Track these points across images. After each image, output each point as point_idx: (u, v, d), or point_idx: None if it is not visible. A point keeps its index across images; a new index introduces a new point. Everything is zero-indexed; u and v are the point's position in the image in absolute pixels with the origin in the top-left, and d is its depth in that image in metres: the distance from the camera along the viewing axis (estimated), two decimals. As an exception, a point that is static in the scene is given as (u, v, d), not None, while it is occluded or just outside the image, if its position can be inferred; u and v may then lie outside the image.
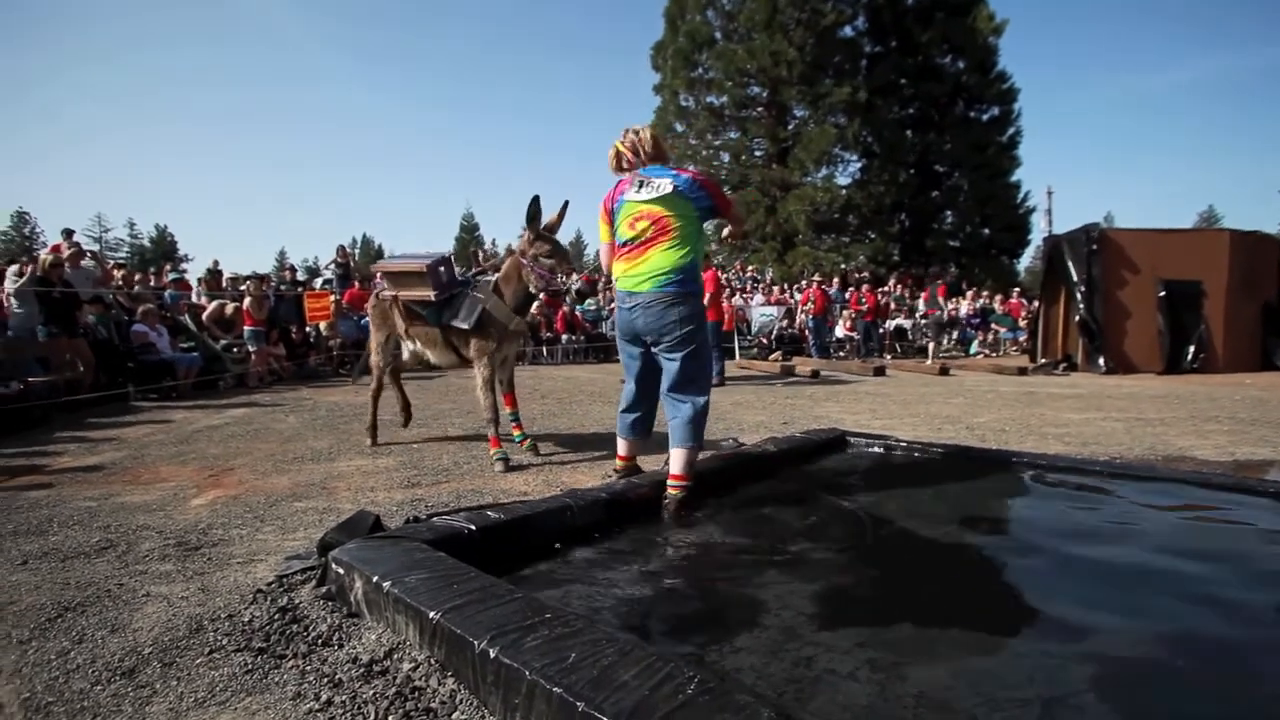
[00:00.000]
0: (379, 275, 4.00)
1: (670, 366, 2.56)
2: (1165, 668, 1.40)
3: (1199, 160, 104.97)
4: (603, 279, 11.07)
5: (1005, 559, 2.09)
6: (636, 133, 2.67)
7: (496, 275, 3.65)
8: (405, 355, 4.08)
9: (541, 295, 3.48)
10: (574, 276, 3.47)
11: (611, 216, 2.69)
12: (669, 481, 2.48)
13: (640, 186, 2.57)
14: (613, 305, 13.60)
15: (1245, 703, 1.28)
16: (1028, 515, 2.45)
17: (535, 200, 3.29)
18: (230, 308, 8.25)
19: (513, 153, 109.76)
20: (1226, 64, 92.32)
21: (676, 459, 2.49)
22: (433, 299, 3.60)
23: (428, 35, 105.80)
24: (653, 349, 2.64)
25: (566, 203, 3.53)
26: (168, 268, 10.67)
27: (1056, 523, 2.35)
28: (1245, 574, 1.89)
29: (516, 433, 3.82)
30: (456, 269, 3.82)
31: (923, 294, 13.94)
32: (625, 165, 2.66)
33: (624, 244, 2.60)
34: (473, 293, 3.62)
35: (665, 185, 2.50)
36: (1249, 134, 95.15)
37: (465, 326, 3.54)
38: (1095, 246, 10.05)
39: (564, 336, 11.92)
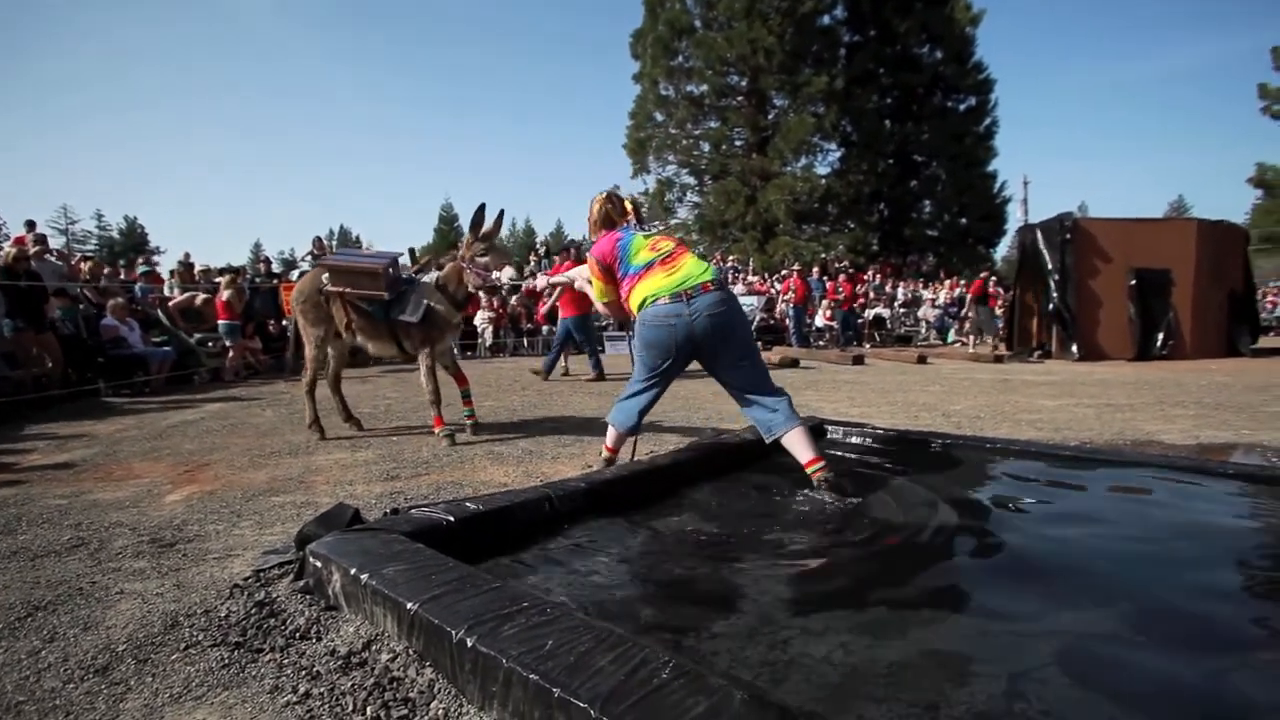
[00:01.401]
0: (323, 271, 4.06)
1: (747, 376, 2.58)
2: (1128, 643, 1.45)
3: (1170, 150, 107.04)
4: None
5: (977, 542, 2.13)
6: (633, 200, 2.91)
7: (438, 274, 3.97)
8: (334, 355, 4.32)
9: (480, 291, 3.92)
10: (506, 270, 3.76)
11: (613, 264, 2.68)
12: (814, 466, 2.46)
13: (638, 228, 2.77)
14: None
15: (1204, 675, 1.33)
16: (1000, 499, 2.50)
17: (481, 208, 3.75)
18: (200, 298, 8.11)
19: (492, 144, 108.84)
20: (1196, 55, 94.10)
21: (807, 444, 2.50)
22: (386, 297, 3.85)
23: (404, 29, 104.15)
24: (715, 359, 2.58)
25: (502, 211, 3.87)
26: (140, 261, 10.45)
27: (1027, 506, 2.41)
28: (1207, 552, 1.96)
29: (465, 408, 4.17)
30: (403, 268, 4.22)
31: (971, 286, 13.45)
32: (617, 219, 2.81)
33: (649, 265, 2.58)
34: (417, 291, 3.91)
35: (659, 227, 2.63)
36: (1218, 124, 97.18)
37: (414, 320, 3.84)
38: (1069, 236, 10.23)
39: (544, 328, 11.89)
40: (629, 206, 2.87)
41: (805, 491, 2.50)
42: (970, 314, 12.83)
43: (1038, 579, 1.78)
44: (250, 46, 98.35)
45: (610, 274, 2.70)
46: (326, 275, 3.98)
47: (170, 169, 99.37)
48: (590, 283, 2.90)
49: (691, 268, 2.56)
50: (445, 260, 4.01)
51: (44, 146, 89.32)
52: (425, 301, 3.84)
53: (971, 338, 12.51)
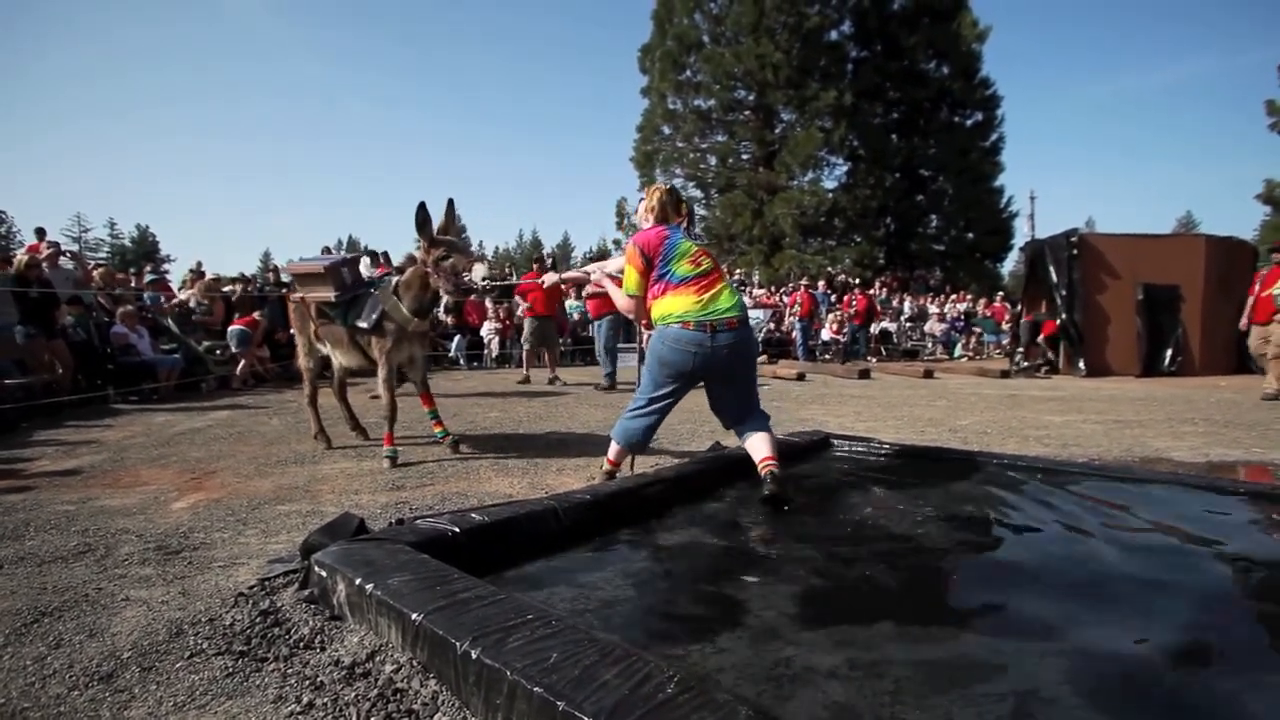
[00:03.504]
0: (290, 276, 3.96)
1: (741, 398, 2.71)
2: (1138, 661, 1.43)
3: (1178, 166, 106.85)
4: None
5: (984, 559, 2.12)
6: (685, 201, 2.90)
7: (399, 278, 3.70)
8: (337, 365, 4.13)
9: (457, 298, 3.61)
10: (476, 268, 3.43)
11: (654, 260, 2.64)
12: (766, 463, 2.56)
13: (685, 231, 2.75)
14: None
15: (1216, 696, 1.31)
16: (1007, 516, 2.49)
17: (421, 207, 3.36)
18: (199, 288, 8.44)
19: (498, 154, 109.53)
20: (1203, 70, 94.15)
21: (768, 445, 2.61)
22: (333, 299, 3.64)
23: (412, 40, 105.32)
24: (720, 385, 2.69)
25: (450, 201, 3.55)
26: (148, 268, 10.54)
27: (1035, 523, 2.39)
28: (1219, 570, 1.94)
29: (437, 430, 3.89)
30: (365, 271, 3.92)
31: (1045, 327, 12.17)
32: (670, 216, 2.77)
33: (685, 280, 2.58)
34: (374, 294, 3.65)
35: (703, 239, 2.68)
36: (1226, 140, 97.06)
37: (365, 326, 3.58)
38: (1075, 251, 10.20)
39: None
40: (684, 209, 2.85)
41: (763, 499, 2.50)
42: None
43: (1046, 596, 1.76)
44: (257, 51, 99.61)
45: (648, 267, 2.66)
46: (294, 280, 3.89)
47: (182, 177, 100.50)
48: (614, 278, 2.90)
49: (724, 299, 2.58)
50: (407, 264, 3.79)
51: (57, 153, 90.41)
52: (380, 306, 3.55)
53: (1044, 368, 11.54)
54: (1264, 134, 22.56)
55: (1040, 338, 11.17)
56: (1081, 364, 10.09)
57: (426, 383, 3.95)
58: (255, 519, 2.61)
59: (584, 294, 8.24)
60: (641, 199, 2.87)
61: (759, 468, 2.57)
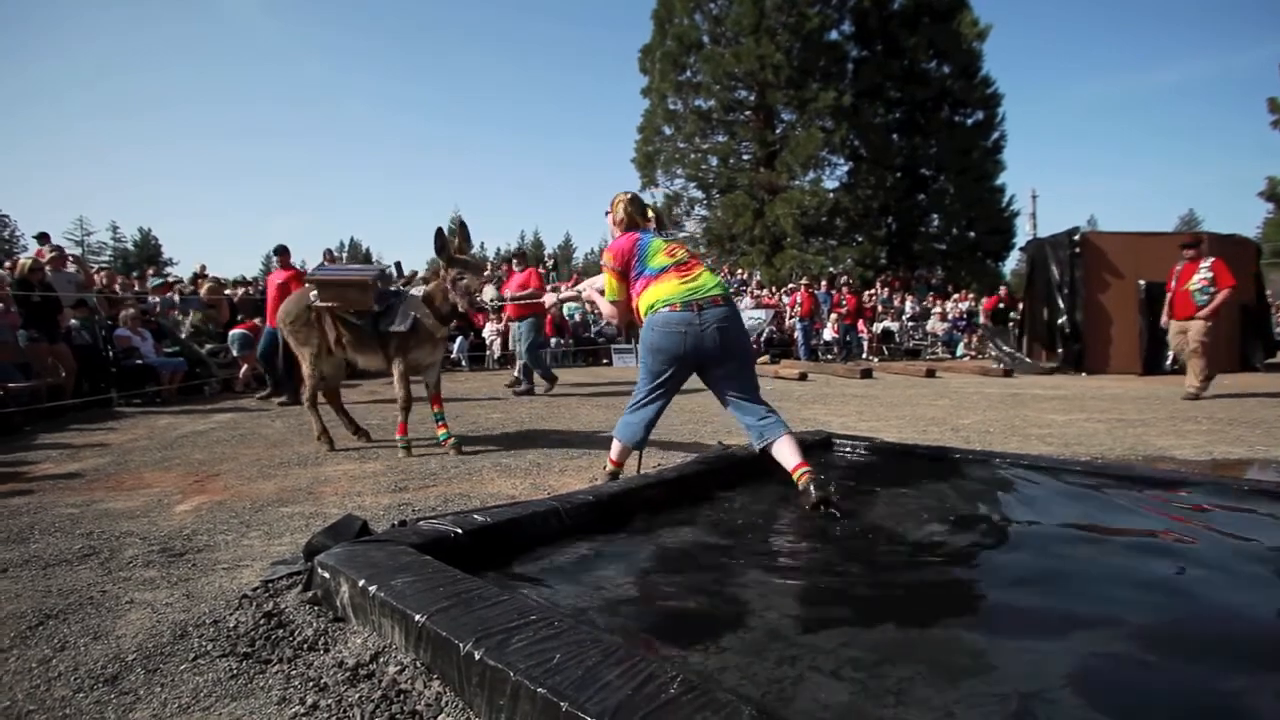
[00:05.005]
0: (310, 289, 4.05)
1: (743, 386, 2.67)
2: (1140, 663, 1.43)
3: (1180, 164, 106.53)
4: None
5: (986, 558, 2.11)
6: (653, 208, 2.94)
7: (425, 288, 4.01)
8: (329, 371, 4.35)
9: (467, 310, 3.97)
10: (486, 289, 3.76)
11: (630, 261, 2.70)
12: (800, 470, 2.51)
13: (658, 233, 2.79)
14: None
15: (1218, 697, 1.31)
16: (1009, 516, 2.48)
17: (440, 232, 3.80)
18: (204, 289, 8.45)
19: (501, 156, 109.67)
20: (1205, 68, 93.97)
21: (794, 450, 2.57)
22: (375, 309, 3.91)
23: (411, 41, 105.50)
24: (716, 369, 2.65)
25: (462, 222, 4.04)
26: (151, 272, 10.57)
27: (1037, 523, 2.38)
28: (1222, 569, 1.93)
29: (440, 432, 4.03)
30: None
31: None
32: (639, 221, 2.82)
33: (664, 269, 2.63)
34: (405, 303, 3.94)
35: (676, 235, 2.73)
36: (1228, 138, 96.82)
37: (404, 329, 3.86)
38: (1077, 250, 10.18)
39: (553, 340, 11.92)
40: (650, 212, 2.91)
41: (812, 506, 2.49)
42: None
43: (1049, 597, 1.76)
44: (258, 52, 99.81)
45: (624, 273, 2.73)
46: (314, 291, 3.99)
47: (184, 179, 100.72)
48: (600, 291, 2.93)
49: (705, 279, 2.62)
50: (430, 277, 4.07)
51: (59, 155, 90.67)
52: (412, 313, 3.87)
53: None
54: (1266, 131, 22.54)
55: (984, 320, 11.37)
56: (1082, 362, 10.08)
57: (439, 385, 4.17)
58: (258, 521, 2.62)
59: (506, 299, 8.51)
60: (607, 213, 2.92)
61: (794, 477, 2.53)
